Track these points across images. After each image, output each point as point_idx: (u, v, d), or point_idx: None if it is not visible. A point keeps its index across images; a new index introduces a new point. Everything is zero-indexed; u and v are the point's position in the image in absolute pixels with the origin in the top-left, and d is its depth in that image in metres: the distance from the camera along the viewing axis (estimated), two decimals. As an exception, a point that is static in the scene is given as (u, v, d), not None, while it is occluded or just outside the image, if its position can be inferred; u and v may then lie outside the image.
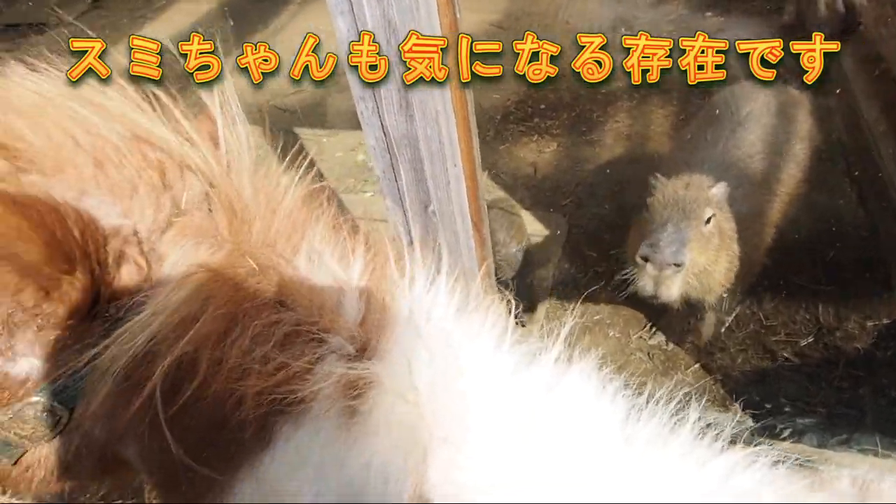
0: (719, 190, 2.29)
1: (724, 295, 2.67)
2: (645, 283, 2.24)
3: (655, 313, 2.92)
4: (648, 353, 2.88)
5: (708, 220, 2.19)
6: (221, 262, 0.67)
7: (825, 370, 2.73)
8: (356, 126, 1.58)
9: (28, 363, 0.71)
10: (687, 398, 0.72)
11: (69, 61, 0.83)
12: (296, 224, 0.74)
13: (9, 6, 7.15)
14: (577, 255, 3.34)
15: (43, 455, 0.76)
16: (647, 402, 0.71)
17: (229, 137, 0.74)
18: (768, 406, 2.62)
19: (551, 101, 4.43)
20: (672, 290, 2.22)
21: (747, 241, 2.55)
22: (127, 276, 0.68)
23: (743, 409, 2.59)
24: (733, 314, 3.06)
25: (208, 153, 0.72)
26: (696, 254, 2.15)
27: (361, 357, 0.67)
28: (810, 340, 2.85)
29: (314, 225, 0.75)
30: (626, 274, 2.30)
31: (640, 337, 2.94)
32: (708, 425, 0.72)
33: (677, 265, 2.08)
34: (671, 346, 2.87)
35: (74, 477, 0.80)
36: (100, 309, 0.67)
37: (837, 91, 3.56)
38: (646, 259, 2.09)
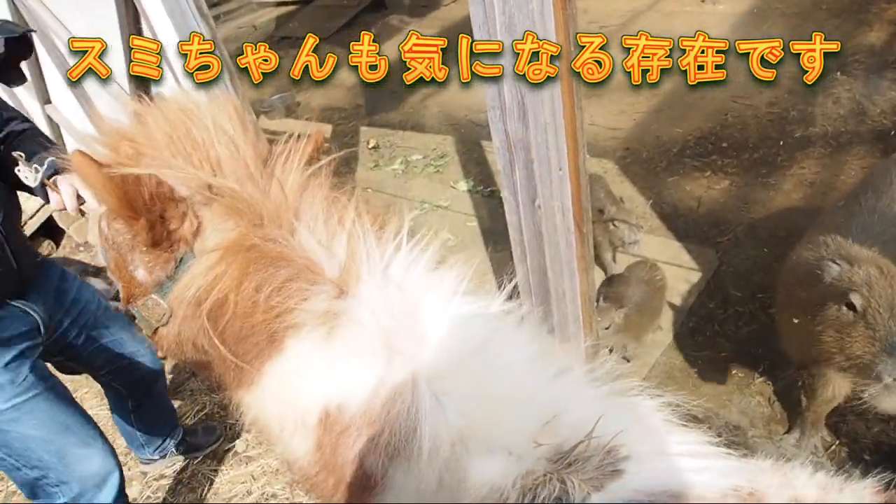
0: None
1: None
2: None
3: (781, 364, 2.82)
4: (769, 399, 2.81)
5: None
6: (239, 236, 0.96)
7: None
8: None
9: (140, 273, 1.06)
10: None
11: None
12: (298, 203, 0.99)
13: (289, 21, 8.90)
14: (720, 292, 3.33)
15: (164, 333, 1.11)
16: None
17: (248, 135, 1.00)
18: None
19: (735, 140, 4.36)
20: None
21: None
22: (187, 227, 1.00)
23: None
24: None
25: (243, 152, 0.99)
26: None
27: (339, 298, 0.92)
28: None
29: (312, 203, 0.99)
30: (865, 388, 2.13)
31: (765, 381, 2.87)
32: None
33: None
34: (795, 394, 2.77)
35: (181, 353, 1.12)
36: (167, 245, 1.00)
37: None
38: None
